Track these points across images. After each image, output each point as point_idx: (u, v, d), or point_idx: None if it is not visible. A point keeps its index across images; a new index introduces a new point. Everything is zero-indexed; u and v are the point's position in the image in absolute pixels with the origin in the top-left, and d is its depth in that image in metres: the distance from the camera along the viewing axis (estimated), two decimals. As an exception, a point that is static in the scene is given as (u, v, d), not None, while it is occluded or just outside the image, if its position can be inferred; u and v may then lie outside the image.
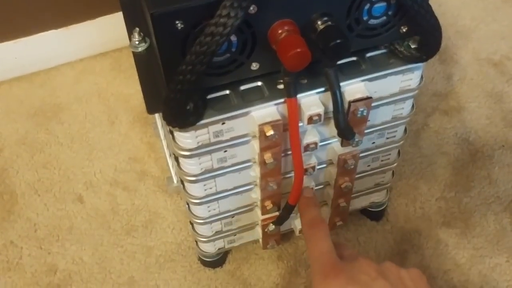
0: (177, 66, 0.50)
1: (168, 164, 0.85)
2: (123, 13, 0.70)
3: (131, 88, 1.05)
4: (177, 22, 0.48)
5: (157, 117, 0.95)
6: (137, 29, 0.63)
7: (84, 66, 1.11)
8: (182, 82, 0.49)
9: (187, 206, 0.70)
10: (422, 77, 0.63)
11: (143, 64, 0.63)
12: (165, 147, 0.82)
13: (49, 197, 0.90)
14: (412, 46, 0.59)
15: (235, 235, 0.75)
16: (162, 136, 0.81)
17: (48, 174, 0.93)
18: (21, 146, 0.98)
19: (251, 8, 0.49)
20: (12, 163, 0.95)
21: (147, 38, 0.63)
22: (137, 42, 0.63)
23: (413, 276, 0.59)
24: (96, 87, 1.07)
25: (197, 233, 0.74)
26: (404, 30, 0.58)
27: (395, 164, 0.75)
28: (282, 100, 0.57)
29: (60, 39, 1.09)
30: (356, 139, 0.62)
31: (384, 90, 0.62)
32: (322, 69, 0.55)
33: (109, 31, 1.11)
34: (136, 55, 0.63)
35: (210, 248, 0.77)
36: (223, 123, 0.57)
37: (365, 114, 0.59)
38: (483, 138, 0.95)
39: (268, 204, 0.68)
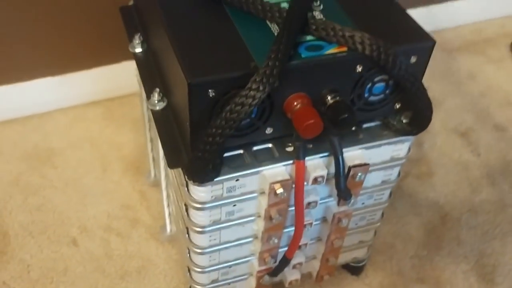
0: (202, 127, 0.56)
1: (164, 213, 0.89)
2: (139, 71, 0.76)
3: (124, 137, 1.10)
4: (210, 90, 0.55)
5: (152, 166, 1.00)
6: (157, 89, 0.69)
7: (76, 113, 1.15)
8: (211, 143, 0.55)
9: (187, 253, 0.74)
10: (409, 147, 0.71)
11: (161, 121, 0.68)
12: (164, 197, 0.87)
13: (43, 239, 0.92)
14: (404, 121, 0.67)
15: (229, 284, 0.79)
16: (163, 186, 0.85)
17: (42, 216, 0.96)
18: (14, 187, 1.00)
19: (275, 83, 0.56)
20: (5, 203, 0.97)
21: (165, 98, 0.70)
22: (156, 101, 0.69)
23: None
24: (89, 134, 1.11)
25: (194, 280, 0.78)
26: (397, 107, 0.66)
27: (378, 224, 0.82)
28: (290, 161, 0.63)
29: (56, 86, 1.13)
30: (352, 200, 0.68)
31: (377, 157, 0.69)
32: (326, 136, 0.62)
33: (103, 81, 1.17)
34: (154, 113, 0.69)
35: (203, 296, 0.81)
36: (237, 180, 0.63)
37: (362, 178, 0.66)
38: (452, 202, 1.03)
39: (267, 257, 0.73)
